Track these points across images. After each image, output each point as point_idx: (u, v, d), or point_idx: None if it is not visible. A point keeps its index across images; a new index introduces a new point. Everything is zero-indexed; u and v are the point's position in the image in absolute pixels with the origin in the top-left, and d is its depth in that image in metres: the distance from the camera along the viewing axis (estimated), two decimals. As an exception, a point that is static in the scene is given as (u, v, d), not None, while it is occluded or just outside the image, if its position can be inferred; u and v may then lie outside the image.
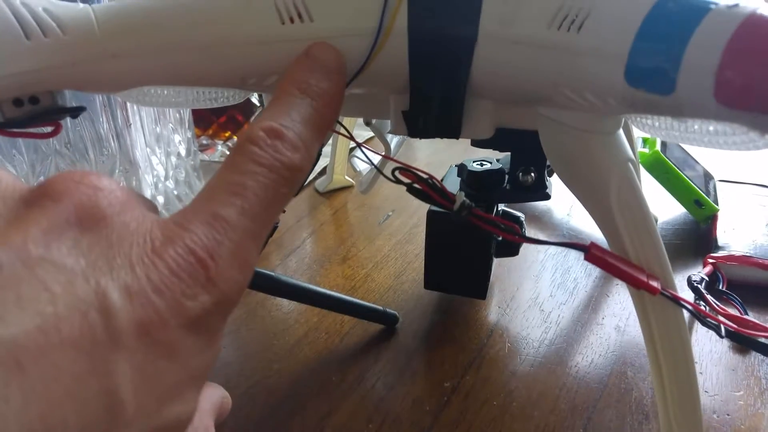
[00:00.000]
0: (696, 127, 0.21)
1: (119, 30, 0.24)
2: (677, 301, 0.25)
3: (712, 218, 0.51)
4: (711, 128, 0.20)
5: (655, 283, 0.25)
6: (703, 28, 0.18)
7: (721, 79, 0.18)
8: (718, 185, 0.56)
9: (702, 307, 0.39)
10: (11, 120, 0.23)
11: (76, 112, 0.24)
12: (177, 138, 0.55)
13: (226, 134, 0.69)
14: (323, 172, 0.64)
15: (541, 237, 0.53)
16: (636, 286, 0.25)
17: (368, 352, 0.40)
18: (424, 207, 0.36)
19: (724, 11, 0.18)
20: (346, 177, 0.63)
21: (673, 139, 0.23)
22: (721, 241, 0.47)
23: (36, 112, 0.23)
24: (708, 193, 0.52)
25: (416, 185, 0.27)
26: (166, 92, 0.28)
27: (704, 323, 0.37)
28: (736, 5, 0.18)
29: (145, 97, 0.28)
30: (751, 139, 0.19)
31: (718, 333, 0.36)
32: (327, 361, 0.39)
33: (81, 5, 0.23)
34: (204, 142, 0.69)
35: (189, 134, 0.57)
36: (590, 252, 0.25)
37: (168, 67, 0.24)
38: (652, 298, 0.25)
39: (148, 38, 0.24)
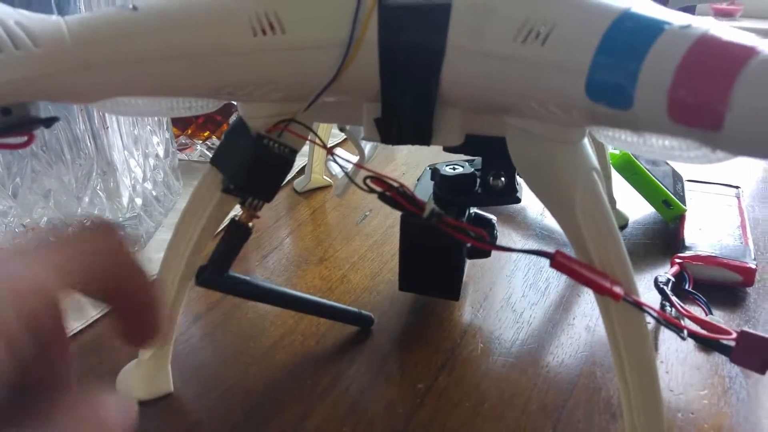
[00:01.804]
0: (653, 141, 0.22)
1: (91, 41, 0.24)
2: (639, 306, 0.26)
3: (680, 218, 0.52)
4: (666, 143, 0.21)
5: (618, 289, 0.26)
6: (657, 47, 0.19)
7: (674, 97, 0.19)
8: (687, 185, 0.57)
9: (667, 308, 0.40)
10: (-17, 131, 0.23)
11: (49, 122, 0.24)
12: (155, 139, 0.55)
13: (205, 134, 0.69)
14: (302, 171, 0.64)
15: (515, 237, 0.54)
16: (600, 292, 0.26)
17: (343, 354, 0.40)
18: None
19: (677, 32, 0.19)
20: (325, 177, 0.63)
21: (633, 151, 0.24)
22: (688, 241, 0.48)
23: (8, 124, 0.23)
24: (676, 194, 0.53)
25: (387, 193, 0.28)
26: (140, 102, 0.29)
27: (666, 326, 0.38)
28: (689, 26, 0.19)
29: (120, 106, 0.28)
30: (704, 154, 0.20)
31: (680, 335, 0.37)
32: (303, 363, 0.39)
33: (54, 17, 0.23)
34: (183, 141, 0.69)
35: (167, 135, 0.57)
36: (555, 259, 0.26)
37: (141, 78, 0.25)
38: (616, 304, 0.26)
39: (120, 49, 0.24)
